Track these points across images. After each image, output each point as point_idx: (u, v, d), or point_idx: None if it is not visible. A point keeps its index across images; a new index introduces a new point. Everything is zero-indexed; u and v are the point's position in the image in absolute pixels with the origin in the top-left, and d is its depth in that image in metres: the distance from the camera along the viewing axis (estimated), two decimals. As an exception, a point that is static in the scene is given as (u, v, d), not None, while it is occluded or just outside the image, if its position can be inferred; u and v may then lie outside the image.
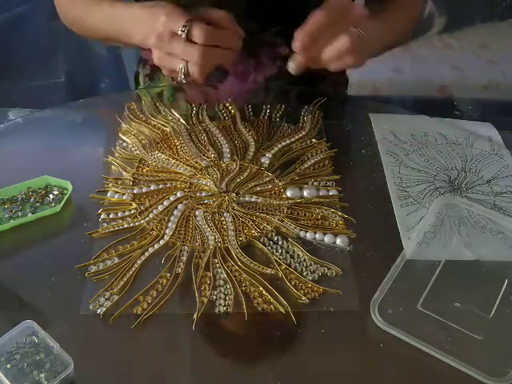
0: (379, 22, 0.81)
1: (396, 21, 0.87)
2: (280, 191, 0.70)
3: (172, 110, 0.82)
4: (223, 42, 0.69)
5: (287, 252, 0.63)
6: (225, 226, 0.65)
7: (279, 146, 0.77)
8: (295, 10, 0.83)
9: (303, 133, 0.79)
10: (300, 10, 0.83)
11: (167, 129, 0.79)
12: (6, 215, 0.65)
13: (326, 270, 0.61)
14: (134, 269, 0.60)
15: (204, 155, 0.75)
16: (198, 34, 0.66)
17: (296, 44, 0.69)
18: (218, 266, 0.61)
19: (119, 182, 0.71)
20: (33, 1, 1.70)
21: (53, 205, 0.66)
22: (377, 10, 0.87)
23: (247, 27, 0.83)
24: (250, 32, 0.84)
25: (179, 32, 0.67)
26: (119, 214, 0.67)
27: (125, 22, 0.76)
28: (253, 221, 0.66)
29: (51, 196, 0.68)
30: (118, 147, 0.76)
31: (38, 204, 0.67)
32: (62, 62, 1.59)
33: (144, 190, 0.70)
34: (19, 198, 0.67)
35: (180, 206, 0.68)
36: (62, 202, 0.66)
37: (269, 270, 0.60)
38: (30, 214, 0.65)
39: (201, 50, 0.67)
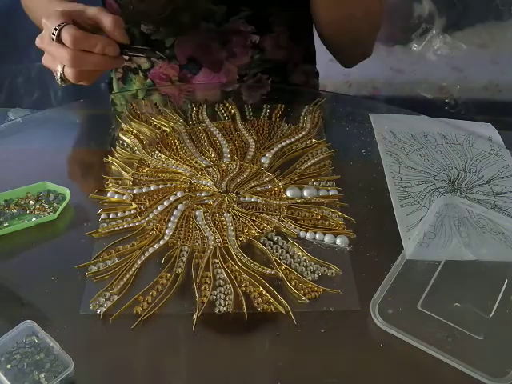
0: None
1: None
2: (280, 191, 0.70)
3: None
4: (94, 47, 0.68)
5: (287, 252, 0.63)
6: (225, 226, 0.65)
7: (279, 145, 0.77)
8: None
9: (303, 133, 0.79)
10: None
11: (167, 129, 0.79)
12: (2, 220, 0.65)
13: (326, 270, 0.61)
14: (134, 269, 0.60)
15: (204, 155, 0.75)
16: (66, 38, 0.67)
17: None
18: (217, 266, 0.61)
19: (119, 182, 0.71)
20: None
21: (50, 212, 0.66)
22: None
23: (216, 10, 0.84)
24: (220, 16, 0.85)
25: (51, 34, 0.68)
26: (119, 214, 0.67)
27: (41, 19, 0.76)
28: (253, 221, 0.66)
29: (49, 202, 0.67)
30: (118, 147, 0.77)
31: (35, 210, 0.66)
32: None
33: (144, 190, 0.70)
34: (17, 203, 0.67)
35: (180, 206, 0.68)
36: (59, 211, 0.66)
37: (269, 270, 0.60)
38: (26, 221, 0.65)
39: (71, 54, 0.67)
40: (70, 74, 0.70)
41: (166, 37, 0.89)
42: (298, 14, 0.92)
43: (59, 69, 0.71)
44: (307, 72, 1.01)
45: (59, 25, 0.67)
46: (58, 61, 0.71)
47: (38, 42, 0.71)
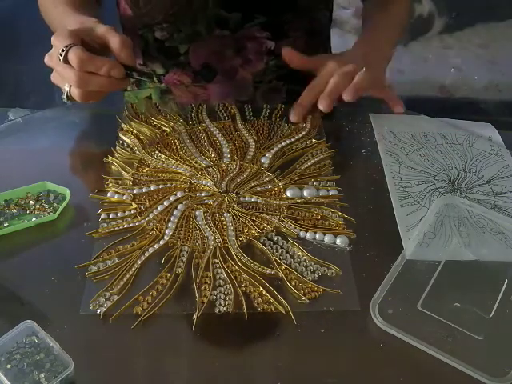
0: (384, 29, 0.86)
1: (396, 16, 0.90)
2: (280, 191, 0.70)
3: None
4: (100, 69, 0.68)
5: (287, 252, 0.63)
6: (225, 226, 0.65)
7: (279, 145, 0.77)
8: (277, 1, 0.84)
9: (303, 133, 0.79)
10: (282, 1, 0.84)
11: (167, 129, 0.79)
12: (2, 220, 0.65)
13: (326, 270, 0.61)
14: (134, 269, 0.60)
15: (204, 155, 0.75)
16: (72, 59, 0.67)
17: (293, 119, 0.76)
18: (218, 266, 0.61)
19: (119, 182, 0.71)
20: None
21: (50, 212, 0.66)
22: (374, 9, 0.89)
23: (230, 18, 0.84)
24: (234, 23, 0.85)
25: (58, 55, 0.68)
26: (119, 214, 0.67)
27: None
28: (253, 221, 0.66)
29: (49, 202, 0.67)
30: (118, 147, 0.77)
31: (35, 210, 0.66)
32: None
33: (144, 190, 0.70)
34: (17, 203, 0.67)
35: (180, 206, 0.68)
36: (59, 211, 0.65)
37: (269, 270, 0.60)
38: (26, 221, 0.65)
39: (77, 75, 0.68)
40: (76, 93, 0.71)
41: (180, 43, 0.89)
42: (315, 19, 0.91)
43: (66, 88, 0.71)
44: None
45: (66, 46, 0.67)
46: (65, 80, 0.71)
47: (46, 59, 0.72)
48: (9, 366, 0.50)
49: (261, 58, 0.90)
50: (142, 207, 0.67)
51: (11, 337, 0.52)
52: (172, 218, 0.66)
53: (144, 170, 0.73)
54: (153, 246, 0.63)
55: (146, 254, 0.62)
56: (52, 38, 0.70)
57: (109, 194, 0.69)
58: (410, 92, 1.85)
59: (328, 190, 0.70)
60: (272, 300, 0.57)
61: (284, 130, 0.80)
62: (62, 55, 0.67)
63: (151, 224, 0.65)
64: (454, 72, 1.87)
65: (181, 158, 0.75)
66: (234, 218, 0.66)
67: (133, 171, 0.72)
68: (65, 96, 0.72)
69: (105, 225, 0.65)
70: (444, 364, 0.52)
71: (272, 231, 0.65)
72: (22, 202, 0.67)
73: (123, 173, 0.72)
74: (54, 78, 0.73)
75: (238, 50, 0.89)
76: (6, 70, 1.89)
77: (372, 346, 0.54)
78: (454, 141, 0.80)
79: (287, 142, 0.78)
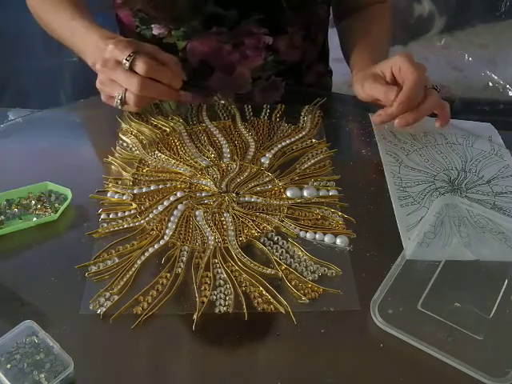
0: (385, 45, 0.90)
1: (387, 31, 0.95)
2: (280, 191, 0.70)
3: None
4: (164, 77, 0.73)
5: (287, 252, 0.63)
6: (225, 226, 0.65)
7: (279, 145, 0.77)
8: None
9: (303, 133, 0.79)
10: None
11: (167, 129, 0.79)
12: (3, 219, 0.65)
13: (326, 270, 0.61)
14: (133, 269, 0.60)
15: (204, 155, 0.75)
16: (140, 65, 0.71)
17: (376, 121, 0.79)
18: (218, 266, 0.61)
19: (119, 182, 0.71)
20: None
21: (51, 212, 0.66)
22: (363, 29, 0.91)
23: (227, 15, 0.85)
24: (231, 20, 0.85)
25: (123, 61, 0.71)
26: (119, 214, 0.67)
27: (81, 42, 0.80)
28: (253, 221, 0.66)
29: (50, 203, 0.67)
30: (118, 147, 0.77)
31: (36, 210, 0.66)
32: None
33: (144, 190, 0.70)
34: (19, 203, 0.67)
35: (180, 206, 0.68)
36: (60, 211, 0.66)
37: (269, 270, 0.60)
38: (27, 221, 0.65)
39: (141, 81, 0.71)
40: (132, 99, 0.73)
41: (178, 40, 0.89)
42: (313, 13, 0.91)
43: (119, 92, 0.73)
44: (320, 72, 1.01)
45: (130, 54, 0.71)
46: (117, 86, 0.73)
47: (99, 66, 0.74)
48: (9, 366, 0.50)
49: (259, 53, 0.90)
50: (142, 207, 0.67)
51: (11, 337, 0.52)
52: (172, 218, 0.66)
53: (144, 170, 0.73)
54: (153, 245, 0.63)
55: (146, 254, 0.62)
56: (101, 44, 0.73)
57: (109, 194, 0.69)
58: (410, 92, 1.84)
59: (328, 190, 0.70)
60: (272, 300, 0.57)
61: (284, 130, 0.80)
62: (128, 60, 0.70)
63: (151, 224, 0.65)
64: (453, 72, 1.87)
65: (181, 157, 0.75)
66: (234, 218, 0.66)
67: (133, 171, 0.73)
68: (118, 100, 0.74)
69: (105, 225, 0.65)
70: (444, 364, 0.52)
71: (272, 231, 0.65)
72: (24, 202, 0.67)
73: (123, 173, 0.72)
74: (103, 84, 0.75)
75: (235, 45, 0.89)
76: (6, 70, 1.89)
77: (372, 346, 0.54)
78: (454, 141, 0.80)
79: (287, 141, 0.78)
